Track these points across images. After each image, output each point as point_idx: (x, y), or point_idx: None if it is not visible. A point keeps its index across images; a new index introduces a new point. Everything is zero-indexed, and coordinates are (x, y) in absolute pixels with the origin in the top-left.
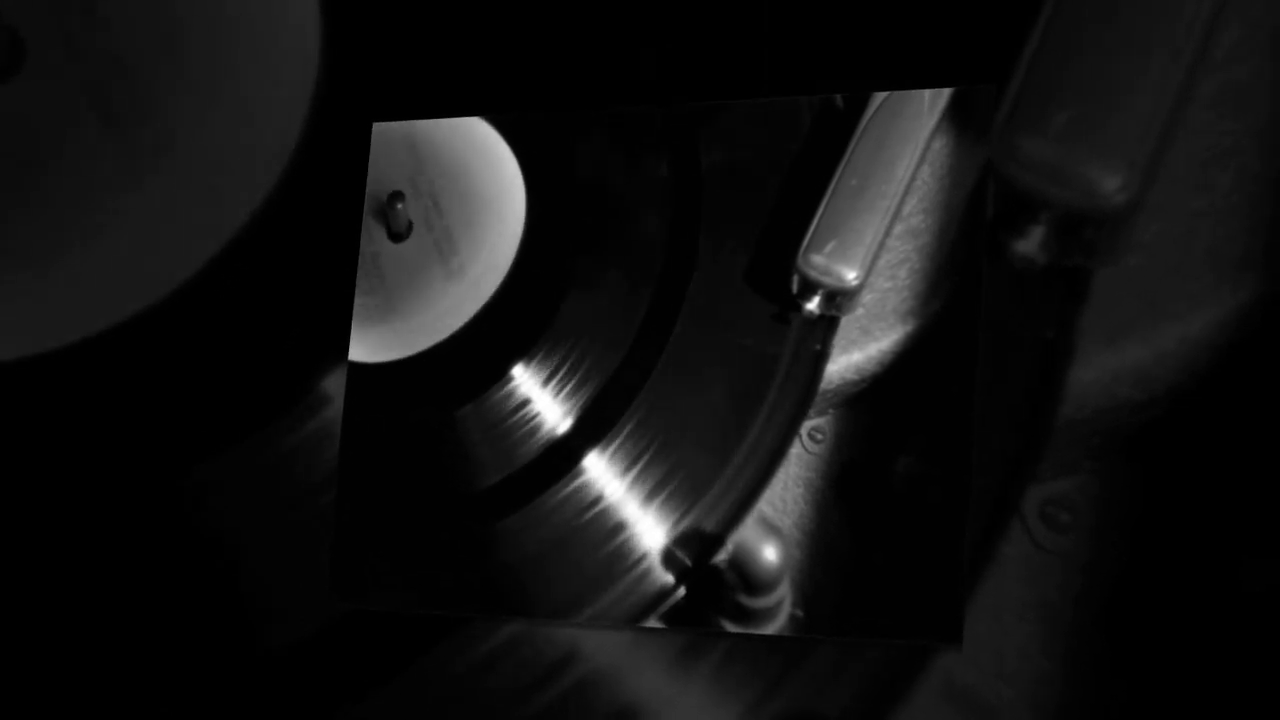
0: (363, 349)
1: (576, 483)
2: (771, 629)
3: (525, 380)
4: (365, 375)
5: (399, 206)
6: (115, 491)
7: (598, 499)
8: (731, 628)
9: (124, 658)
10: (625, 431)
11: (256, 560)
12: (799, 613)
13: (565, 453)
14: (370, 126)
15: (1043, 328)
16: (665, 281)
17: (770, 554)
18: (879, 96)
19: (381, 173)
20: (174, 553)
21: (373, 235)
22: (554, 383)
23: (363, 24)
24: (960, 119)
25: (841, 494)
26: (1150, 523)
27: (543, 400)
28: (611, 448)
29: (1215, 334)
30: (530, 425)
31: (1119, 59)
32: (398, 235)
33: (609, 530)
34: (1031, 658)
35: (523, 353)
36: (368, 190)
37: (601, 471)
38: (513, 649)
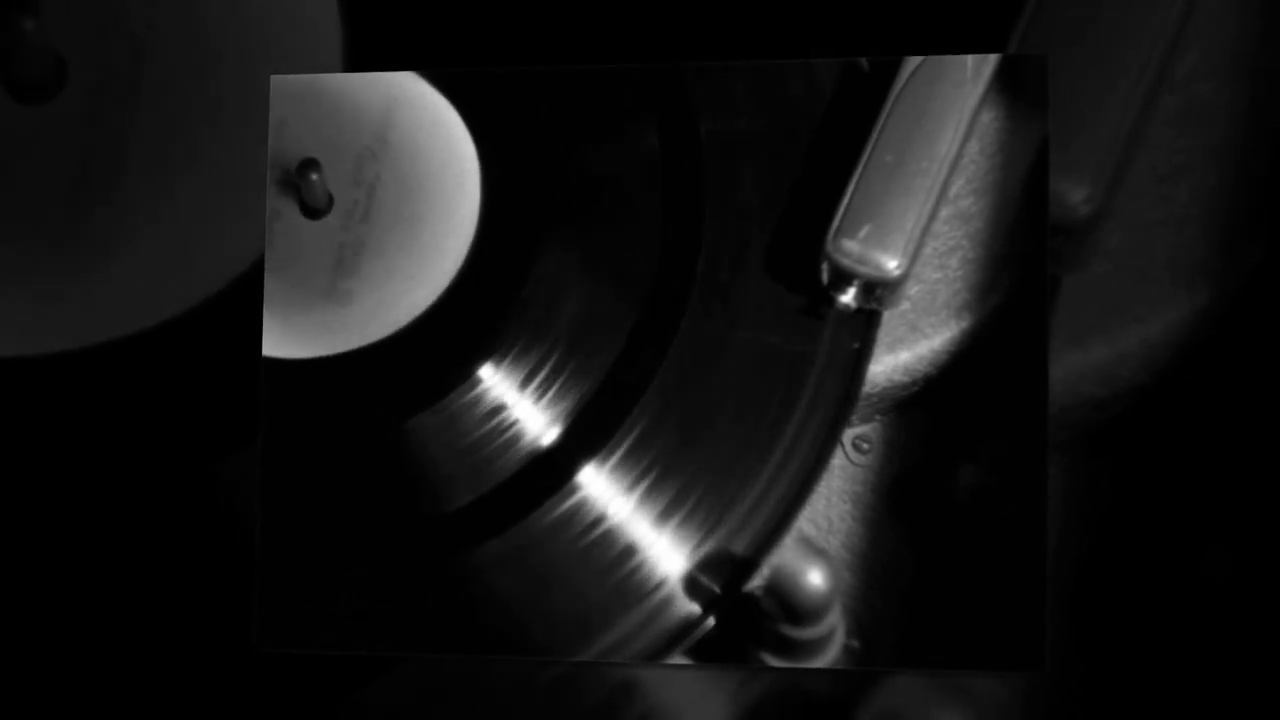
0: (283, 343)
1: (570, 501)
2: (823, 662)
3: (496, 382)
4: (290, 374)
5: (313, 178)
6: (148, 479)
7: (598, 520)
8: (775, 662)
9: (149, 646)
10: (628, 442)
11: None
12: (854, 643)
13: (553, 468)
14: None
15: None
16: (665, 268)
17: (815, 578)
18: (912, 61)
19: (289, 136)
20: (205, 541)
21: (283, 210)
22: (534, 385)
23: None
24: (1011, 90)
25: (896, 509)
26: (1115, 513)
27: (521, 406)
28: (612, 460)
29: (1174, 335)
30: (507, 436)
31: (1087, 78)
32: (315, 211)
33: (615, 555)
34: None
35: (490, 350)
36: (270, 157)
37: (602, 488)
38: None
